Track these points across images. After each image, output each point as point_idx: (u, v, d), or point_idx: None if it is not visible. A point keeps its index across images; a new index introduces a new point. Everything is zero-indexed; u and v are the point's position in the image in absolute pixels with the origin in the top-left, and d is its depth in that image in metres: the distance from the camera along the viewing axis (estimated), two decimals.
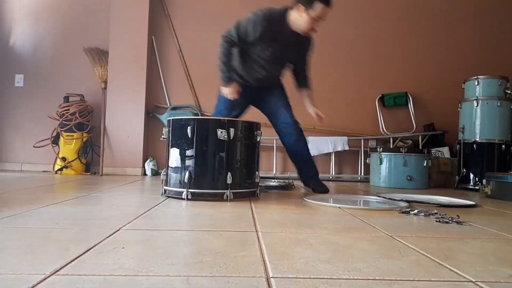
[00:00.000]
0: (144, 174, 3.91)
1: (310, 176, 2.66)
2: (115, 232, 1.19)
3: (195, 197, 1.99)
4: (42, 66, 4.14)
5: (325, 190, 2.58)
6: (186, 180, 1.97)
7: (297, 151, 2.61)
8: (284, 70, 2.63)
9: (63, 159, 3.75)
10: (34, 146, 3.97)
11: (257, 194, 2.18)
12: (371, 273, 0.85)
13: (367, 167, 3.84)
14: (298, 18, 2.27)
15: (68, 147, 3.77)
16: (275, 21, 2.28)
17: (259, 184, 2.23)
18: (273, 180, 3.06)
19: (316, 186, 2.60)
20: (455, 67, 4.17)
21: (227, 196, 2.00)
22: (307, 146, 2.64)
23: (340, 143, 3.96)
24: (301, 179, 2.73)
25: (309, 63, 2.66)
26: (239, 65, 2.50)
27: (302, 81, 2.59)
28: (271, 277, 0.81)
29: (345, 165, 4.15)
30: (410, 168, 3.27)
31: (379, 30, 4.22)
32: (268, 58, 2.41)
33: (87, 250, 0.97)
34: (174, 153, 2.06)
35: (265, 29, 2.26)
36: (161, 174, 2.14)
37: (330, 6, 2.25)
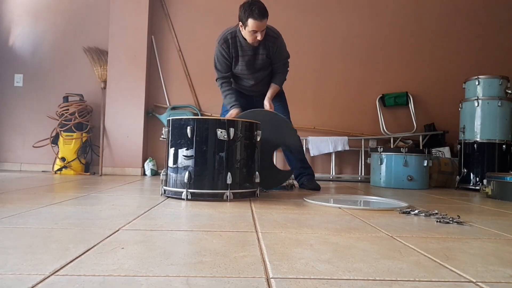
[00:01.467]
0: (144, 174, 3.91)
1: (303, 174, 2.85)
2: (115, 232, 1.19)
3: (195, 197, 1.99)
4: (42, 66, 4.14)
5: (315, 187, 2.77)
6: (185, 180, 1.97)
7: (293, 150, 2.80)
8: (268, 73, 2.73)
9: (63, 159, 3.75)
10: (33, 146, 3.97)
11: (257, 194, 2.17)
12: (372, 274, 0.85)
13: (367, 167, 3.84)
14: (243, 34, 2.49)
15: (68, 147, 3.77)
16: (229, 40, 2.53)
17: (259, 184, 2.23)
18: None
19: (307, 183, 2.79)
20: (455, 67, 4.17)
21: (227, 196, 2.00)
22: (302, 148, 2.89)
23: (340, 143, 3.96)
24: (294, 177, 2.92)
25: (283, 62, 2.72)
26: (234, 83, 2.79)
27: (274, 78, 2.74)
28: (271, 278, 0.81)
29: (345, 165, 4.15)
30: (410, 168, 3.26)
31: (379, 30, 4.22)
32: (245, 71, 2.63)
33: (87, 250, 0.96)
34: (174, 153, 2.06)
35: (227, 52, 2.54)
36: (161, 174, 2.14)
37: (261, 18, 2.38)
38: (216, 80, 2.69)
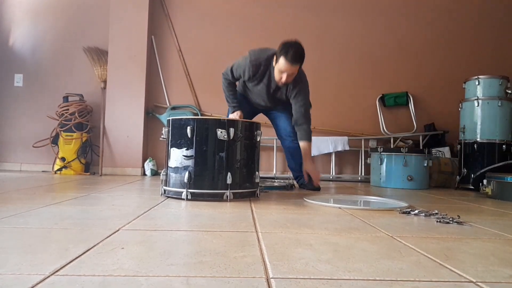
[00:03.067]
0: (144, 174, 3.91)
1: (303, 175, 2.82)
2: (115, 232, 1.19)
3: (194, 197, 1.99)
4: (42, 65, 4.14)
5: (315, 188, 2.74)
6: (185, 180, 1.97)
7: (293, 153, 2.83)
8: (286, 105, 2.67)
9: (63, 159, 3.75)
10: (33, 146, 3.97)
11: (257, 194, 2.17)
12: (372, 274, 0.85)
13: (367, 167, 3.84)
14: (274, 67, 2.44)
15: (68, 147, 3.77)
16: (261, 66, 2.48)
17: (259, 185, 2.23)
18: (273, 180, 3.06)
19: (307, 183, 2.77)
20: (455, 67, 4.17)
21: (227, 196, 1.99)
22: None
23: (340, 143, 3.96)
24: (294, 178, 2.94)
25: (302, 110, 2.57)
26: (243, 90, 2.74)
27: (299, 132, 2.61)
28: (271, 278, 0.81)
29: (345, 165, 4.15)
30: (410, 168, 3.26)
31: (379, 30, 4.22)
32: (260, 94, 2.62)
33: (87, 250, 0.96)
34: (174, 153, 2.06)
35: (252, 73, 2.50)
36: (161, 174, 2.13)
37: (292, 62, 2.31)
38: (222, 76, 2.64)
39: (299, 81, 2.53)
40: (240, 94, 2.79)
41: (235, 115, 2.63)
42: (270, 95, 2.60)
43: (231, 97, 2.66)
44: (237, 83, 2.73)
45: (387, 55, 4.21)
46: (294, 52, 2.30)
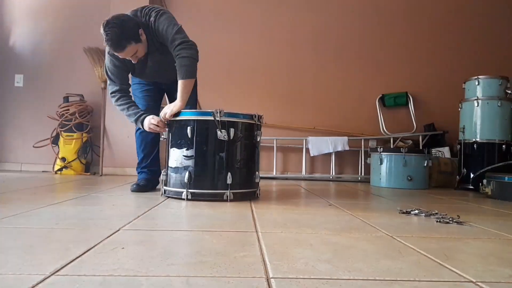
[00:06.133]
0: None
1: None
2: (115, 232, 1.19)
3: (195, 197, 1.99)
4: (42, 66, 4.14)
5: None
6: (186, 180, 1.97)
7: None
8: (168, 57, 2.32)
9: (63, 159, 3.75)
10: (33, 146, 3.97)
11: (257, 194, 2.17)
12: (372, 273, 0.85)
13: (367, 167, 3.84)
14: None
15: (68, 147, 3.77)
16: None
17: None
18: None
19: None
20: (455, 67, 4.17)
21: (227, 196, 2.00)
22: None
23: (340, 143, 3.96)
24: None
25: (171, 41, 2.33)
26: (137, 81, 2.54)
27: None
28: (271, 278, 0.81)
29: (345, 165, 4.15)
30: (410, 168, 3.26)
31: (379, 30, 4.22)
32: (147, 69, 2.34)
33: (87, 250, 0.96)
34: (174, 153, 2.06)
35: (120, 62, 2.28)
36: (161, 174, 2.14)
37: (118, 51, 2.12)
38: (112, 94, 2.45)
39: (153, 18, 2.25)
40: (138, 88, 2.49)
41: (151, 122, 2.14)
42: (151, 63, 2.28)
43: (131, 109, 2.32)
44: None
45: (387, 55, 4.21)
46: (110, 42, 2.09)
